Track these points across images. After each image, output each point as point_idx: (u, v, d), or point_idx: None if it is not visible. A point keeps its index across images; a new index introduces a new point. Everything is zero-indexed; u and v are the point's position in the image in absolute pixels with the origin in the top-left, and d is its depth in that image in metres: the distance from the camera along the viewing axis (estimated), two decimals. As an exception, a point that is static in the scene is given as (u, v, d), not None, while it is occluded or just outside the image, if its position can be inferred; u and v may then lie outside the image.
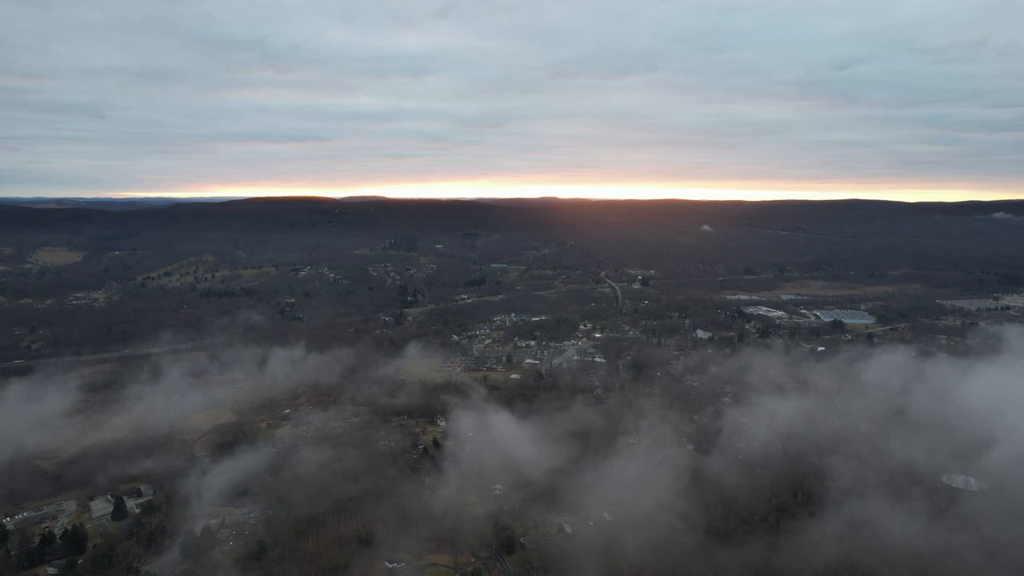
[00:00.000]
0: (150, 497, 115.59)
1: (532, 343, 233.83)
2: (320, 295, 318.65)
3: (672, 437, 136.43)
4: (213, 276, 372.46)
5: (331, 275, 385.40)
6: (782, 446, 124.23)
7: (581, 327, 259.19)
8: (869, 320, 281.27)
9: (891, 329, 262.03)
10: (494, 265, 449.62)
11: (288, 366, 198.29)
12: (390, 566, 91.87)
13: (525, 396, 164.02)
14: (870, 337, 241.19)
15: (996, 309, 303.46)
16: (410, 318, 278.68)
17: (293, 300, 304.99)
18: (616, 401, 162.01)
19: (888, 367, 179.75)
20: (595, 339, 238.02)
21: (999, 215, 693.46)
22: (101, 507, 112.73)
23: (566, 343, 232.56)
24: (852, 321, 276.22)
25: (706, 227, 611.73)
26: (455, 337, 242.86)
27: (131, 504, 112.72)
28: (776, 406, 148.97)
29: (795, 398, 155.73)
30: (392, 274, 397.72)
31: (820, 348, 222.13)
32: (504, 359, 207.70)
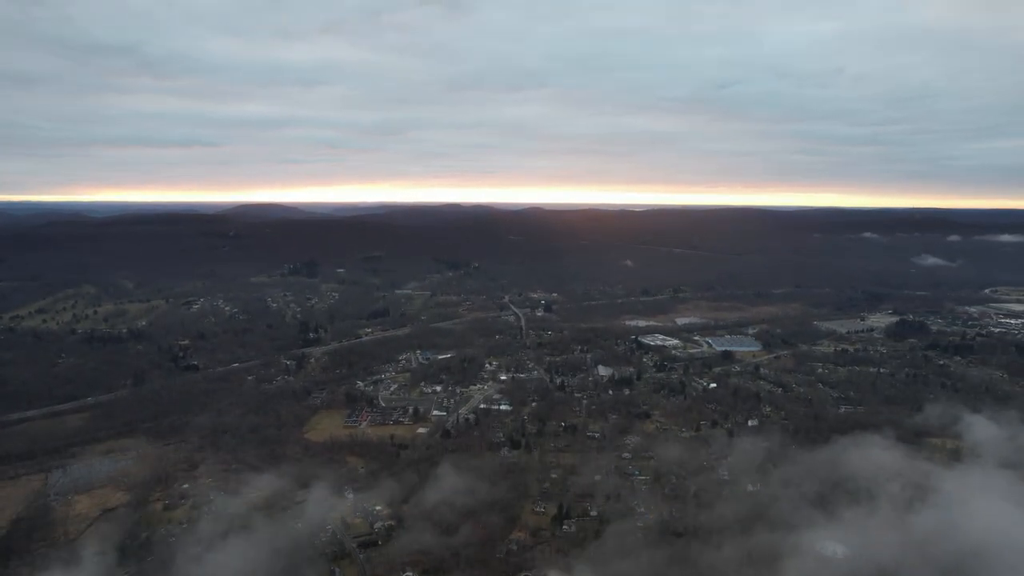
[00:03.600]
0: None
1: (438, 388, 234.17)
2: (216, 335, 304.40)
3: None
4: (95, 313, 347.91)
5: (227, 308, 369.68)
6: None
7: (487, 366, 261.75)
8: (756, 347, 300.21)
9: (775, 357, 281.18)
10: (398, 292, 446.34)
11: (184, 429, 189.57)
12: None
13: (432, 460, 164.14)
14: (757, 368, 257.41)
15: (863, 331, 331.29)
16: (312, 360, 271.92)
17: (187, 342, 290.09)
18: (523, 462, 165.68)
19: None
20: (501, 382, 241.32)
21: (867, 235, 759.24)
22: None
23: (472, 388, 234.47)
24: (740, 349, 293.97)
25: (620, 256, 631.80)
26: (360, 384, 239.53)
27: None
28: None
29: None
30: (292, 305, 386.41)
31: (712, 384, 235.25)
32: (410, 411, 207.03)
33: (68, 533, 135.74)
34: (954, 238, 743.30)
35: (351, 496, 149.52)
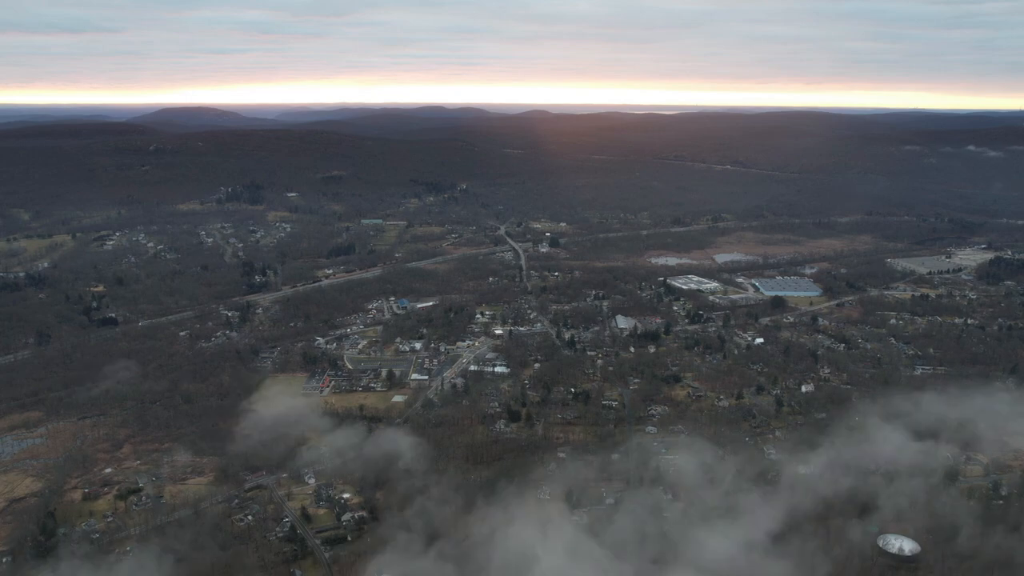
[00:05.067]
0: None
1: (418, 345, 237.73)
2: (137, 280, 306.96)
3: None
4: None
5: (150, 245, 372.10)
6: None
7: (479, 317, 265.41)
8: (814, 292, 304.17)
9: (837, 305, 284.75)
10: (364, 221, 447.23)
11: (103, 400, 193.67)
12: None
13: (412, 436, 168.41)
14: (814, 319, 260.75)
15: (948, 272, 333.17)
16: (260, 311, 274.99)
17: (102, 288, 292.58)
18: (524, 438, 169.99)
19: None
20: (496, 337, 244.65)
21: (972, 148, 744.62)
22: None
23: (460, 344, 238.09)
24: (795, 294, 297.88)
25: (646, 175, 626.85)
26: (320, 340, 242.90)
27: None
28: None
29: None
30: (232, 241, 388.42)
31: (758, 340, 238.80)
32: (384, 374, 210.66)
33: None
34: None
35: (312, 482, 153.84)
